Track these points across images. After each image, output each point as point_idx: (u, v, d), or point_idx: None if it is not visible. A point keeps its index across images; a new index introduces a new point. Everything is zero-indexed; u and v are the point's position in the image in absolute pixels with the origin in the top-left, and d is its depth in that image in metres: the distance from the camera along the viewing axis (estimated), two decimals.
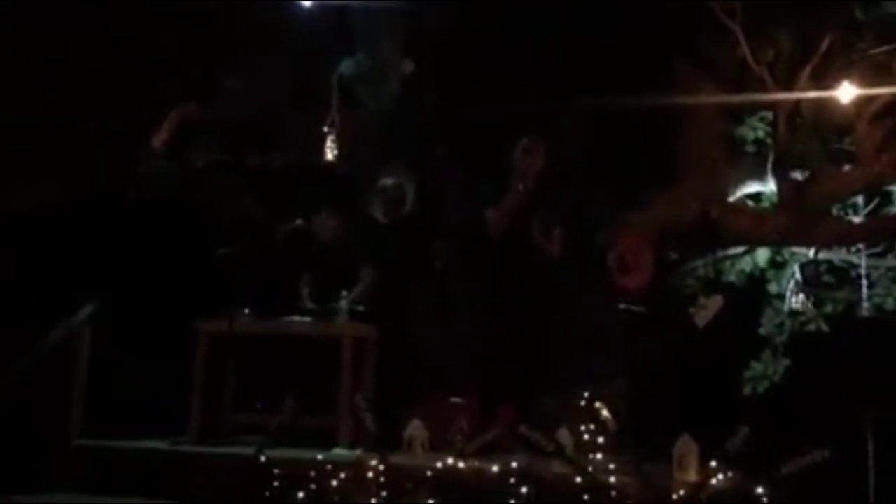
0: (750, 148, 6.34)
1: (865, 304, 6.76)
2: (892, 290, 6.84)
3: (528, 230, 5.18)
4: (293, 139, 6.25)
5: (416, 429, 4.55)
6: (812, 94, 5.19)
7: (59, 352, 4.99)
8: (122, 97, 6.36)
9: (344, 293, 5.28)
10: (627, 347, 5.24)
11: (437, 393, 5.24)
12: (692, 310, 5.37)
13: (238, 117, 6.37)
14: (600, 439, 4.22)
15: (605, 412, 4.23)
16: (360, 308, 5.32)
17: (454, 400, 5.21)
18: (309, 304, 5.48)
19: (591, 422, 4.27)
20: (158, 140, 6.37)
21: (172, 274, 5.67)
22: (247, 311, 5.31)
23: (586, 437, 4.26)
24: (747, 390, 6.94)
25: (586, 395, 4.39)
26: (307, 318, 5.32)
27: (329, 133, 5.88)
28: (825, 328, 6.88)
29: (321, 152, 5.96)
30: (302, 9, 5.88)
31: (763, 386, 7.00)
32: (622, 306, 5.22)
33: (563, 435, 4.24)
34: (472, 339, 5.38)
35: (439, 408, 5.06)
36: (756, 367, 6.99)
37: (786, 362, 6.97)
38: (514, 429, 4.20)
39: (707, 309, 5.40)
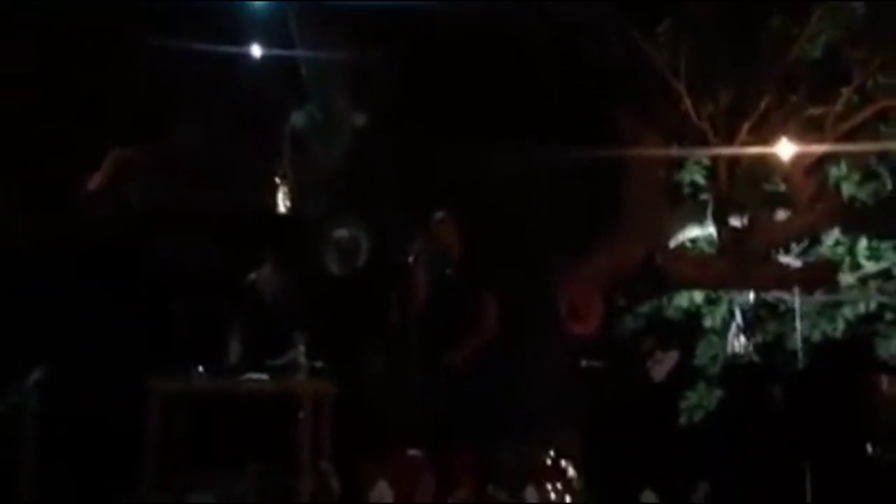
0: (687, 190, 6.60)
1: (798, 338, 7.10)
2: (819, 324, 7.23)
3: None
4: (243, 188, 6.17)
5: (381, 491, 4.56)
6: (752, 150, 5.43)
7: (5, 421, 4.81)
8: (59, 141, 6.18)
9: (301, 348, 5.25)
10: (584, 398, 5.37)
11: (395, 448, 5.25)
12: (648, 364, 5.54)
13: (185, 164, 6.25)
14: (567, 498, 4.31)
15: (570, 470, 4.33)
16: (319, 364, 5.29)
17: (413, 453, 5.23)
18: (235, 360, 5.38)
19: (557, 479, 4.36)
20: (95, 184, 6.20)
21: (119, 329, 5.52)
22: (200, 368, 5.22)
23: (553, 496, 4.35)
24: (683, 420, 7.21)
25: (550, 451, 4.48)
26: (264, 376, 5.26)
27: (282, 184, 5.84)
28: (756, 359, 7.22)
29: (273, 202, 5.90)
30: (254, 58, 5.83)
31: (698, 415, 7.29)
32: (583, 363, 5.35)
33: (530, 494, 4.31)
34: (428, 392, 5.41)
35: (400, 463, 5.07)
36: (691, 396, 7.29)
37: (718, 392, 7.29)
38: (481, 490, 4.25)
39: (663, 363, 5.59)
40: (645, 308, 6.92)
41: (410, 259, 5.24)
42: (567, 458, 4.49)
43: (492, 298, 5.14)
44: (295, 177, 5.90)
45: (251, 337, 5.46)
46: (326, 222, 5.85)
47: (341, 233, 5.75)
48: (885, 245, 6.38)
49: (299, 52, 5.69)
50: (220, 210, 6.13)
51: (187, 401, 5.21)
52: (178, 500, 5.02)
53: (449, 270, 5.22)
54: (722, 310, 7.26)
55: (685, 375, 7.18)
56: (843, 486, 5.28)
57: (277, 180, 5.86)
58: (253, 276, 5.55)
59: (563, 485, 4.34)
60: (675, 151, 5.75)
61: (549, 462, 4.54)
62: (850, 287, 6.74)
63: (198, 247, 6.03)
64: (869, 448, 5.44)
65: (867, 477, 5.23)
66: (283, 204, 5.83)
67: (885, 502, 4.93)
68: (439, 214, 5.10)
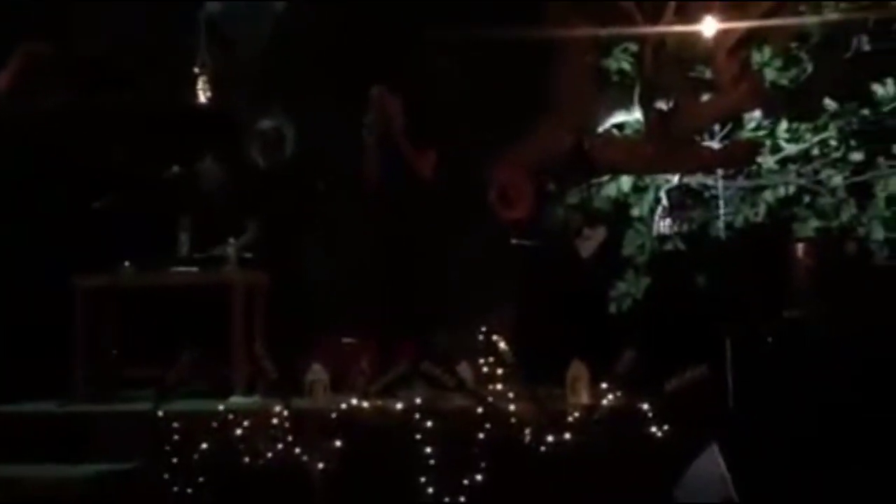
0: (615, 78, 6.62)
1: (720, 224, 7.28)
2: (742, 209, 7.42)
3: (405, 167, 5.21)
4: (158, 80, 5.96)
5: (316, 373, 4.58)
6: (677, 29, 5.44)
7: None
8: None
9: (231, 240, 5.19)
10: (515, 278, 5.44)
11: (331, 335, 5.29)
12: (577, 241, 5.62)
13: (95, 56, 6.00)
14: (499, 371, 4.41)
15: (502, 344, 4.41)
16: (249, 255, 5.25)
17: (348, 340, 5.27)
18: (186, 252, 5.35)
19: (489, 354, 4.45)
20: (2, 83, 5.92)
21: (43, 229, 5.38)
22: (127, 263, 5.13)
23: (485, 369, 4.44)
24: (612, 309, 7.39)
25: (483, 328, 4.55)
26: (193, 268, 5.20)
27: (200, 74, 5.64)
28: (682, 247, 7.40)
29: (190, 94, 5.72)
30: None
31: (627, 304, 7.48)
32: (513, 241, 5.39)
33: (463, 369, 4.40)
34: (363, 279, 5.42)
35: (336, 350, 5.11)
36: (620, 286, 7.45)
37: (647, 281, 7.47)
38: (415, 366, 4.31)
39: (591, 240, 5.67)
40: (574, 198, 7.00)
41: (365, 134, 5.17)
42: (499, 334, 4.57)
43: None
44: (214, 67, 5.71)
45: (196, 227, 5.39)
46: (249, 113, 5.71)
47: (265, 124, 5.63)
48: (805, 127, 6.52)
49: None
50: (136, 106, 5.94)
51: (115, 296, 5.14)
52: (110, 397, 4.99)
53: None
54: (649, 198, 7.40)
55: (614, 265, 7.34)
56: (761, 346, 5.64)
57: (195, 70, 5.67)
58: (177, 168, 5.42)
59: (495, 359, 4.44)
60: (600, 31, 5.70)
61: (481, 338, 4.62)
62: (771, 171, 6.90)
63: (116, 143, 5.86)
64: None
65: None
66: (202, 94, 5.66)
67: (796, 355, 5.28)
68: (377, 87, 5.05)
